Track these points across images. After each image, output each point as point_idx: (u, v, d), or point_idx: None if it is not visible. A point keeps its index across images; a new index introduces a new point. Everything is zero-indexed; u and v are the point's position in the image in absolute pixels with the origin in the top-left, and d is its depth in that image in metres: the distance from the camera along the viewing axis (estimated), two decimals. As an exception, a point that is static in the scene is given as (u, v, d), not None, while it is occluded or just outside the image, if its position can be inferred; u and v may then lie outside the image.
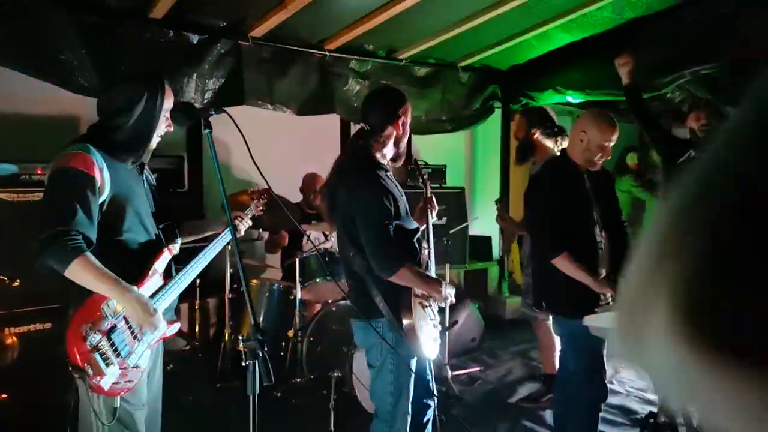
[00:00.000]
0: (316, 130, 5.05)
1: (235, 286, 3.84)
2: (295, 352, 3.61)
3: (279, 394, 3.56)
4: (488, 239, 5.76)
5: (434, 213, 2.61)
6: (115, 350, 1.76)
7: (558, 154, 4.09)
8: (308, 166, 4.54)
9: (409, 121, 2.38)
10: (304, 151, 5.10)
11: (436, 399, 2.52)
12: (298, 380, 3.54)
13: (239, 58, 4.11)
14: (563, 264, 2.49)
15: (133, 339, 1.84)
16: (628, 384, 4.06)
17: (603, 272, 2.61)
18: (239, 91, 4.16)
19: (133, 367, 1.82)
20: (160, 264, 2.00)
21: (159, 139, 2.04)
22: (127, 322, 1.83)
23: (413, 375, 2.31)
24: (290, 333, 3.66)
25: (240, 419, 3.13)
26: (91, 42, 3.46)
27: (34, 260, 1.72)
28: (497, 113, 5.69)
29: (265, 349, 1.51)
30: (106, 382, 1.71)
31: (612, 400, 3.58)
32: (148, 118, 1.94)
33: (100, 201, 1.82)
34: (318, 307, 3.89)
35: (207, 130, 1.80)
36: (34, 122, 3.82)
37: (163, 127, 2.00)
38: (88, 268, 1.72)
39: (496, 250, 5.88)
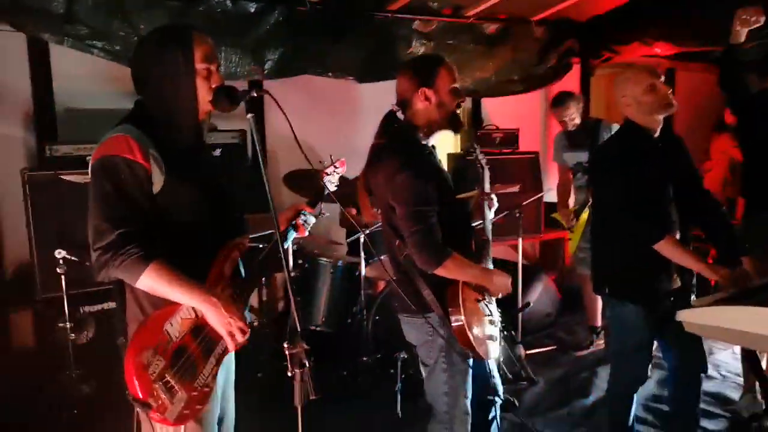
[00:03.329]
0: (380, 97, 4.84)
1: (300, 261, 3.78)
2: (360, 330, 3.52)
3: (345, 373, 3.51)
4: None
5: (492, 210, 2.38)
6: (182, 375, 1.52)
7: None
8: (372, 135, 4.37)
9: (450, 85, 2.09)
10: (368, 120, 4.92)
11: (500, 401, 2.33)
12: (364, 359, 3.46)
13: (298, 25, 3.94)
14: (668, 248, 2.20)
15: (202, 357, 1.60)
16: (724, 367, 3.69)
17: None
18: (299, 60, 4.02)
19: (203, 388, 1.59)
20: (228, 264, 1.73)
21: (210, 110, 1.68)
22: (194, 339, 1.59)
23: (470, 372, 2.14)
24: (355, 310, 3.58)
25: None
26: (145, 16, 3.40)
27: (96, 273, 1.51)
28: (575, 70, 5.25)
29: (312, 358, 1.38)
30: (171, 414, 1.49)
31: (706, 386, 3.26)
32: (181, 80, 1.60)
33: (154, 191, 1.57)
34: (383, 284, 3.76)
35: (250, 115, 1.63)
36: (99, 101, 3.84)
37: (205, 91, 1.63)
38: (162, 276, 1.50)
39: (573, 218, 5.52)
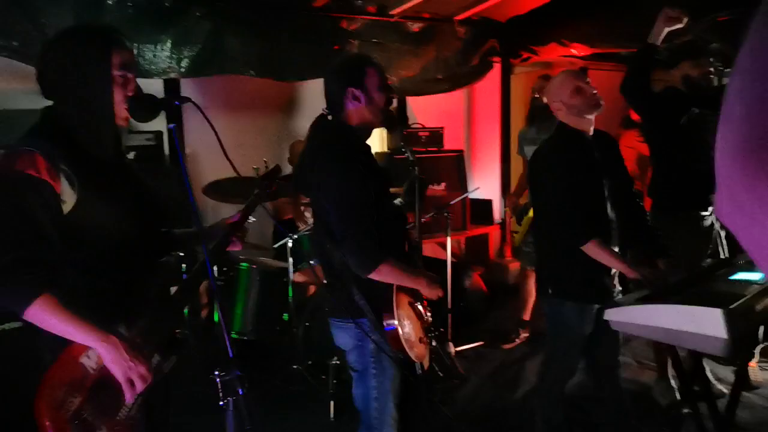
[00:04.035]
0: (306, 97, 4.75)
1: (225, 268, 3.65)
2: (292, 338, 3.44)
3: (277, 382, 3.43)
4: (488, 203, 5.54)
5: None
6: (102, 410, 1.39)
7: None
8: (299, 135, 4.28)
9: (378, 83, 2.06)
10: (293, 120, 4.82)
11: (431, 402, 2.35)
12: (296, 367, 3.38)
13: (217, 21, 3.78)
14: (594, 250, 2.27)
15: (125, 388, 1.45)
16: (640, 354, 3.90)
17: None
18: (218, 58, 3.85)
19: (127, 421, 1.46)
20: (152, 288, 1.61)
21: (126, 118, 1.55)
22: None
23: (399, 377, 2.12)
24: (285, 318, 3.49)
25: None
26: (48, 10, 3.14)
27: None
28: (496, 69, 5.37)
29: (246, 385, 1.31)
30: None
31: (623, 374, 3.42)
32: (96, 87, 1.48)
33: (64, 212, 1.43)
34: (313, 289, 3.70)
35: (171, 125, 1.52)
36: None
37: (121, 99, 1.52)
38: (52, 309, 1.34)
39: (497, 214, 5.67)
